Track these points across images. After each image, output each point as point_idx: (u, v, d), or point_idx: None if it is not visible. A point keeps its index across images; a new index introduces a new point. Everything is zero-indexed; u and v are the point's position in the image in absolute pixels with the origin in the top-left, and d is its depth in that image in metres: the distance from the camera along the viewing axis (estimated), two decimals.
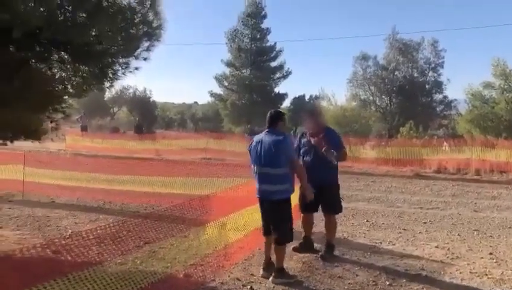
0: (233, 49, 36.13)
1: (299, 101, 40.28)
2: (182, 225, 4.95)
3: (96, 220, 7.24)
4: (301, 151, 5.51)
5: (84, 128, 25.74)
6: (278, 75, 36.84)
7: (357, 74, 36.81)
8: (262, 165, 4.48)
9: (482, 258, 5.57)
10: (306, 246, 5.65)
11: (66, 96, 5.85)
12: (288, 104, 39.73)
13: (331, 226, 5.59)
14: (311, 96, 43.23)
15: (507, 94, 23.66)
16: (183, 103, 61.83)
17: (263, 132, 4.69)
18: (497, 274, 4.89)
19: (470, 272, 4.99)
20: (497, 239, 6.55)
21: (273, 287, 4.40)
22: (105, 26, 4.77)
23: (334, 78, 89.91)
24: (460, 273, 4.95)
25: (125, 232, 4.23)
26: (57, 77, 5.48)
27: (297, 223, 5.47)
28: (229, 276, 4.66)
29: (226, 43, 36.60)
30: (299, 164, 4.74)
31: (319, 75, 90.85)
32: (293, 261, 5.24)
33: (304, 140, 5.56)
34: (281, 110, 5.40)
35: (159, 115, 45.54)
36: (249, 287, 4.36)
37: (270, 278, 4.54)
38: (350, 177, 13.55)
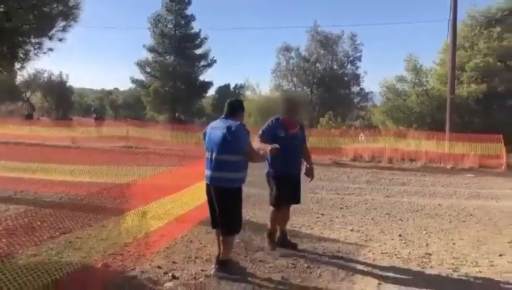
0: (157, 34, 35.22)
1: (224, 90, 40.29)
2: (101, 214, 4.79)
3: (5, 210, 6.76)
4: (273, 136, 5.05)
5: (29, 116, 23.97)
6: (202, 63, 36.47)
7: (280, 64, 37.58)
8: (216, 152, 4.32)
9: (392, 239, 5.96)
10: (284, 241, 5.40)
11: None
12: (213, 93, 39.65)
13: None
14: (236, 85, 43.52)
15: (418, 88, 25.28)
16: (102, 89, 59.26)
17: (219, 119, 4.55)
18: (405, 254, 5.26)
19: (381, 252, 5.32)
20: (405, 222, 7.05)
21: (195, 273, 4.39)
22: (15, 2, 4.43)
23: (259, 68, 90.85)
24: (373, 254, 5.27)
25: (38, 223, 4.00)
26: None
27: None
28: (150, 264, 4.58)
29: (149, 28, 35.61)
30: (253, 152, 4.42)
31: (245, 65, 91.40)
32: (214, 248, 5.26)
33: (279, 130, 5.14)
34: (241, 99, 5.18)
35: (76, 101, 43.32)
36: (170, 274, 4.32)
37: (212, 271, 4.38)
38: None
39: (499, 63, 22.37)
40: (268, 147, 4.55)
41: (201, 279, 4.26)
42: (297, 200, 5.38)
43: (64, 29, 5.25)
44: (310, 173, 5.33)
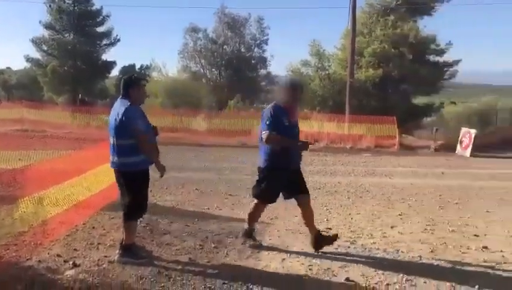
0: (54, 10, 32.67)
1: (128, 70, 38.72)
2: None
3: None
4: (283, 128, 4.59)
5: None
6: (105, 41, 34.57)
7: (187, 45, 36.94)
8: (113, 137, 4.13)
9: (296, 216, 6.18)
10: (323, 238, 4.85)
11: None
12: (117, 73, 37.96)
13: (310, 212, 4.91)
14: (142, 66, 42.01)
15: (321, 72, 26.38)
16: None
17: (117, 100, 4.28)
18: (307, 229, 5.51)
19: (286, 229, 5.54)
20: None
21: (98, 259, 4.23)
22: None
23: (165, 48, 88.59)
24: (278, 231, 5.46)
25: None
26: None
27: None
28: (48, 253, 4.32)
29: (45, 3, 32.91)
30: (143, 137, 4.14)
31: (151, 45, 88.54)
32: (118, 234, 5.10)
33: (284, 119, 4.61)
34: (136, 75, 4.57)
35: None
36: (71, 262, 4.11)
37: (116, 256, 4.21)
38: (182, 148, 13.69)
39: (393, 50, 24.02)
40: (292, 142, 4.54)
41: (104, 265, 4.11)
42: (307, 191, 4.90)
43: None
44: (306, 146, 4.78)
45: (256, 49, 38.29)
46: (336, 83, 24.48)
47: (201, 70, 37.71)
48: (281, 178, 4.68)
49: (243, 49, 37.85)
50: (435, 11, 26.91)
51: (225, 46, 37.05)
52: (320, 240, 4.73)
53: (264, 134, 4.53)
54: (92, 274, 3.90)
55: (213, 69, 37.72)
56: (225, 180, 8.92)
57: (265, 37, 38.04)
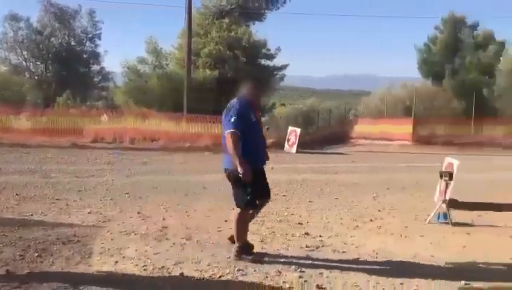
0: None
1: None
2: None
3: None
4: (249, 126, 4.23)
5: None
6: None
7: (7, 35, 33.03)
8: None
9: (131, 217, 6.03)
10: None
11: None
12: None
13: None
14: None
15: (158, 70, 26.08)
16: None
17: None
18: (143, 230, 5.40)
19: (119, 231, 5.31)
20: (145, 199, 7.24)
21: None
22: None
23: None
24: (111, 233, 5.21)
25: None
26: None
27: None
28: None
29: None
30: None
31: None
32: None
33: (251, 114, 4.27)
34: None
35: None
36: None
37: None
38: (0, 150, 12.21)
39: (228, 52, 24.98)
40: (239, 160, 4.01)
41: None
42: (269, 194, 4.62)
43: None
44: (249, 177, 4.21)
45: (88, 43, 36.14)
46: (174, 81, 24.45)
47: (24, 63, 34.10)
48: (259, 179, 4.31)
49: (73, 43, 35.37)
50: (265, 17, 28.89)
51: (52, 38, 34.13)
52: (246, 249, 4.45)
53: (228, 134, 4.10)
54: None
55: (38, 62, 34.44)
56: (52, 183, 8.21)
57: (98, 31, 36.13)
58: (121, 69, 26.77)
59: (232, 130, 4.07)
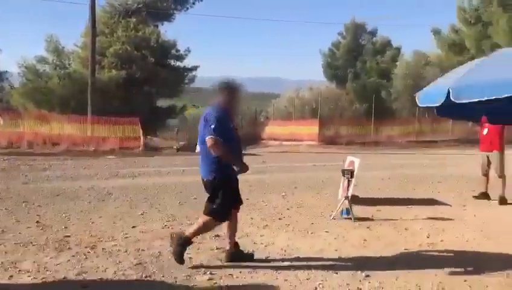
0: None
1: None
2: None
3: None
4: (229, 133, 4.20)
5: None
6: None
7: None
8: None
9: (29, 227, 5.60)
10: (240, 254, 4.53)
11: None
12: None
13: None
14: None
15: (60, 70, 24.62)
16: None
17: None
18: (43, 240, 5.04)
19: (14, 243, 4.91)
20: (45, 207, 6.78)
21: None
22: None
23: None
24: (5, 246, 4.80)
25: None
26: None
27: None
28: None
29: None
30: None
31: None
32: None
33: (230, 122, 4.29)
34: None
35: None
36: None
37: None
38: None
39: (136, 52, 24.29)
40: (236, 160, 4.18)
41: None
42: (241, 202, 4.57)
43: None
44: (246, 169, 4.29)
45: None
46: (77, 82, 23.21)
47: None
48: (233, 188, 4.35)
49: None
50: (174, 18, 28.50)
51: None
52: (237, 256, 4.46)
53: (210, 139, 4.02)
54: None
55: None
56: None
57: None
58: (18, 68, 24.86)
59: (213, 136, 4.05)
